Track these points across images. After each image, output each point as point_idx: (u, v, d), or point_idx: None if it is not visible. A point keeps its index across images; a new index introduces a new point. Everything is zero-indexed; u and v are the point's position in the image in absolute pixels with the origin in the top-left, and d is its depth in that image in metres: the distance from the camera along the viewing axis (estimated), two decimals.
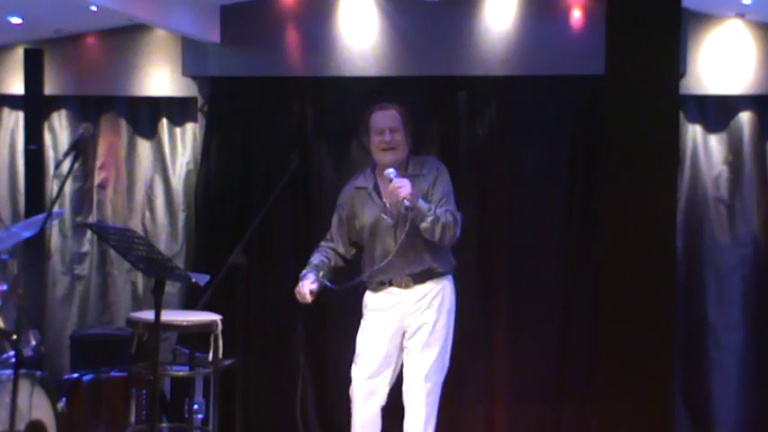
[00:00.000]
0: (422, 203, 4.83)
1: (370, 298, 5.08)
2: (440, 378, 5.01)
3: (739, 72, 5.90)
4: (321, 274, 5.02)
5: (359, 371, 5.02)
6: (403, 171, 4.95)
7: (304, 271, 5.03)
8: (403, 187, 4.80)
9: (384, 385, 5.02)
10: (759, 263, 5.96)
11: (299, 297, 4.96)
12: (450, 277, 5.06)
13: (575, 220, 5.98)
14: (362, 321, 5.09)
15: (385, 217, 4.96)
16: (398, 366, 5.03)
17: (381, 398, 5.02)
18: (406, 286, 4.98)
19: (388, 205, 4.96)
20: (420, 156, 5.18)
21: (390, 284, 5.00)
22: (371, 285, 5.07)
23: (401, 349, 5.01)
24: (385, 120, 5.00)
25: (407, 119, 5.04)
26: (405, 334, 5.00)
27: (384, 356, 5.00)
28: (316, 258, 5.10)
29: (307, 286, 4.93)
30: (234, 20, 6.13)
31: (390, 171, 4.88)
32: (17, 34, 6.25)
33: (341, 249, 5.14)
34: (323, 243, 5.18)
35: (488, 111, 6.05)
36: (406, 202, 4.77)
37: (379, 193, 5.01)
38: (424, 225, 4.85)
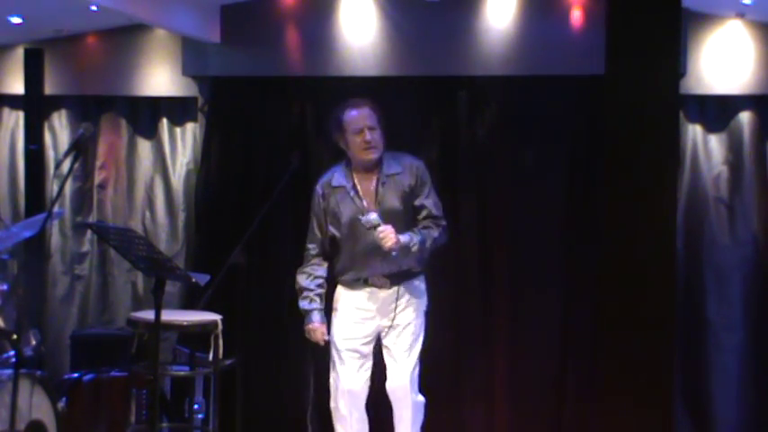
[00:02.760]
0: (404, 239, 4.84)
1: (343, 294, 5.07)
2: (417, 373, 5.06)
3: (739, 72, 5.90)
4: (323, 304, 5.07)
5: (343, 370, 5.02)
6: (378, 171, 4.97)
7: (307, 304, 5.04)
8: (387, 238, 4.80)
9: (366, 381, 5.04)
10: (759, 263, 5.95)
11: (312, 339, 5.03)
12: (423, 276, 5.10)
13: (575, 220, 5.98)
14: (335, 318, 5.08)
15: (361, 218, 4.92)
16: (372, 362, 5.06)
17: (365, 394, 5.04)
18: (383, 286, 4.99)
19: (365, 204, 4.95)
20: (392, 152, 5.12)
21: (366, 283, 5.01)
22: (346, 282, 5.06)
23: (376, 345, 5.05)
24: (363, 118, 4.98)
25: (380, 115, 5.03)
26: (381, 333, 5.03)
27: (366, 354, 5.03)
28: (312, 284, 5.06)
29: (319, 332, 5.01)
30: (234, 20, 6.12)
31: (373, 218, 4.86)
32: (17, 34, 6.25)
33: (326, 256, 5.12)
34: (310, 255, 5.11)
35: (488, 111, 6.05)
36: (393, 253, 4.83)
37: (357, 193, 4.99)
38: (410, 255, 4.91)
